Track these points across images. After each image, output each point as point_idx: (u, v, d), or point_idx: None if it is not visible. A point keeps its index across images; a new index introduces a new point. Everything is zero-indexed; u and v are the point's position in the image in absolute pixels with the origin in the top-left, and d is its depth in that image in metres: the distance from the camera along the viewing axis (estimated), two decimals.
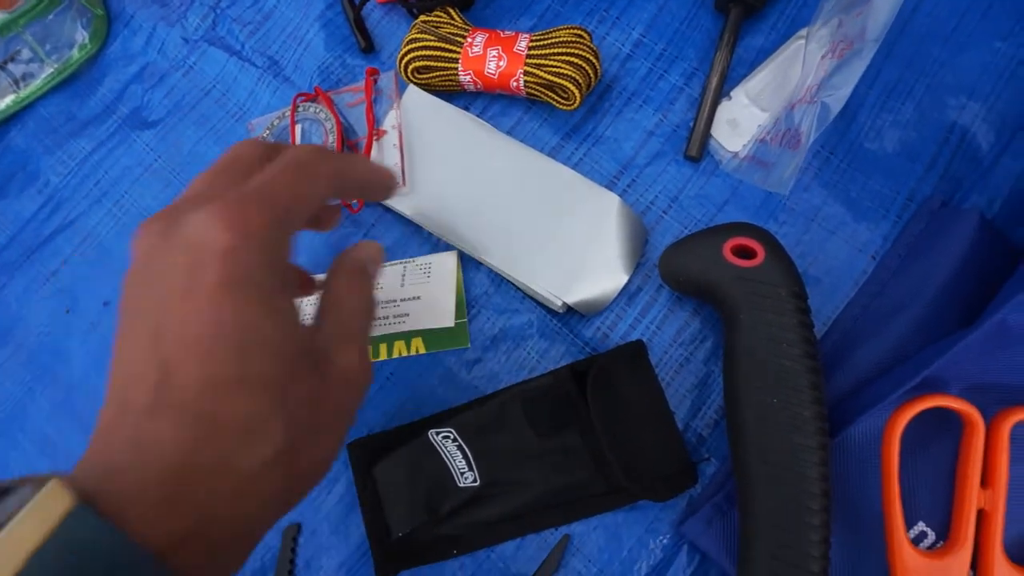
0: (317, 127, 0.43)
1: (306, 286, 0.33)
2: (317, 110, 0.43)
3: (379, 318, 0.39)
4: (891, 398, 0.32)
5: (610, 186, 0.41)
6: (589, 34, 0.40)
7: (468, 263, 0.41)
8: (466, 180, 0.40)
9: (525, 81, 0.40)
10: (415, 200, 0.40)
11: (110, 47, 0.50)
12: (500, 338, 0.39)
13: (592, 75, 0.40)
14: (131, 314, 0.23)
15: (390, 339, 0.39)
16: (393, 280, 0.40)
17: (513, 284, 0.40)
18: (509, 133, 0.43)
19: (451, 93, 0.44)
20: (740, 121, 0.40)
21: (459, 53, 0.41)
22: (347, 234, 0.43)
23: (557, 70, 0.39)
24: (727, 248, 0.35)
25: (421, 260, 0.41)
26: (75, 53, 0.49)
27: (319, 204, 0.26)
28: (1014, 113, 0.38)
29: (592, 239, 0.38)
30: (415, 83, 0.42)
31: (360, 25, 0.46)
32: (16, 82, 0.49)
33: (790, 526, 0.31)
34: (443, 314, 0.38)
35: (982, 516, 0.31)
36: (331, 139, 0.42)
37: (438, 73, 0.42)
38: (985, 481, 0.31)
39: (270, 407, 0.22)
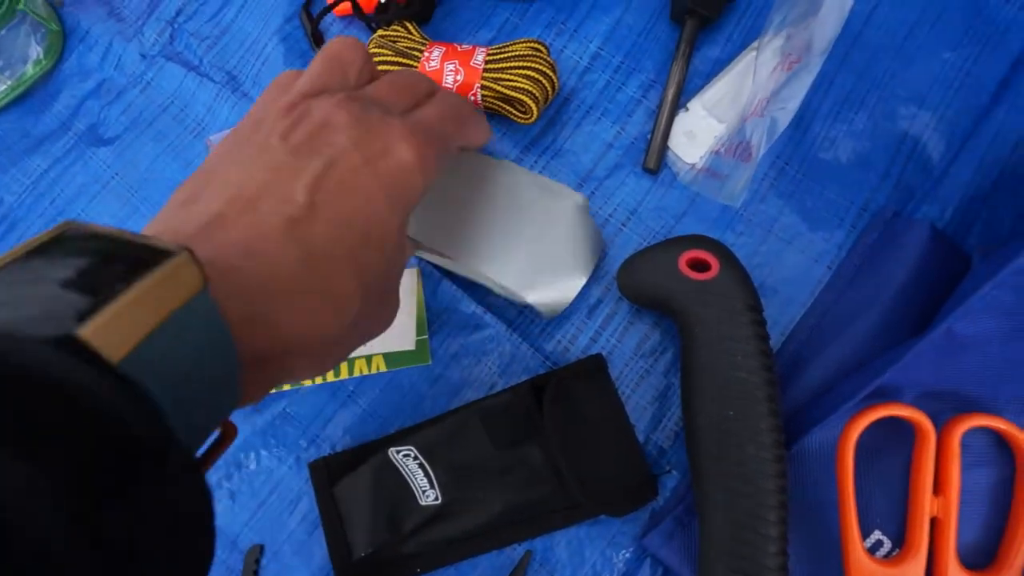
0: None
1: None
2: None
3: None
4: (845, 407, 0.32)
5: None
6: (546, 47, 0.40)
7: (428, 279, 0.40)
8: (436, 191, 0.39)
9: (483, 95, 0.40)
10: None
11: (65, 62, 0.49)
12: (461, 353, 0.39)
13: (549, 89, 0.40)
14: (289, 138, 0.24)
15: (350, 359, 0.39)
16: None
17: (479, 283, 0.39)
18: None
19: None
20: (697, 133, 0.40)
21: (416, 67, 0.41)
22: None
23: (514, 84, 0.39)
24: (682, 261, 0.35)
25: None
26: (29, 69, 0.49)
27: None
28: (963, 123, 0.38)
29: (550, 237, 0.38)
30: None
31: (319, 39, 0.45)
32: None
33: (748, 538, 0.31)
34: (404, 335, 0.38)
35: (935, 523, 0.31)
36: None
37: None
38: (937, 489, 0.31)
39: (356, 292, 0.24)
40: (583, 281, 0.38)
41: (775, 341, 0.37)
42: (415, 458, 0.36)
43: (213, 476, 0.39)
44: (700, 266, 0.34)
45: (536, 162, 0.42)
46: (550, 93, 0.40)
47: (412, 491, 0.36)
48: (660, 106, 0.40)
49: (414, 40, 0.42)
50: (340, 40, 0.29)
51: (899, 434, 0.33)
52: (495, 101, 0.40)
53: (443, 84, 0.40)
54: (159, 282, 0.16)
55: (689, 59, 0.40)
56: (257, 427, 0.40)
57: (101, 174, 0.46)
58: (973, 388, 0.32)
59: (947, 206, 0.37)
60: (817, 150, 0.39)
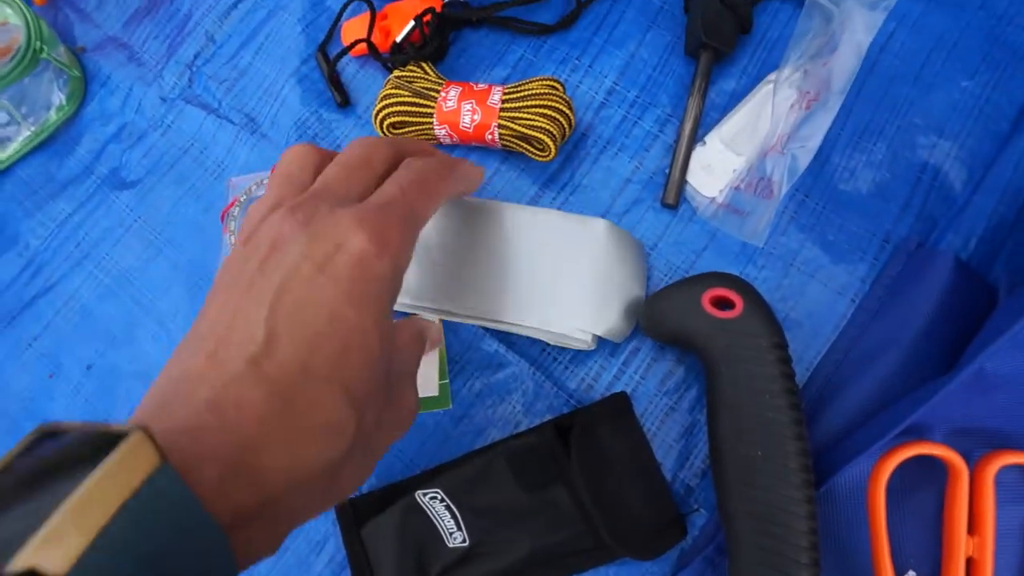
0: None
1: None
2: None
3: None
4: (875, 446, 0.32)
5: None
6: (562, 84, 0.40)
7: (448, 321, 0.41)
8: (456, 255, 0.39)
9: (500, 134, 0.40)
10: (412, 290, 0.39)
11: (87, 108, 0.50)
12: (485, 393, 0.39)
13: (567, 126, 0.40)
14: (242, 278, 0.24)
15: None
16: None
17: (527, 336, 0.39)
18: (487, 184, 0.43)
19: None
20: (715, 166, 0.40)
21: (434, 107, 0.41)
22: None
23: (531, 122, 0.39)
24: (706, 299, 0.35)
25: None
26: (52, 115, 0.50)
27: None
28: (984, 151, 0.38)
29: (593, 266, 0.37)
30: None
31: (335, 80, 0.46)
32: None
33: None
34: (427, 382, 0.38)
35: (971, 564, 0.31)
36: None
37: (413, 128, 0.42)
38: (972, 528, 0.31)
39: (348, 413, 0.22)
40: (643, 293, 0.38)
41: (800, 376, 0.37)
42: (442, 500, 0.36)
43: None
44: (724, 304, 0.34)
45: (555, 199, 0.42)
46: (567, 130, 0.40)
47: (439, 533, 0.36)
48: (677, 140, 0.40)
49: (430, 80, 0.42)
50: (286, 151, 0.28)
51: (930, 472, 0.32)
52: (513, 139, 0.40)
53: (460, 124, 0.40)
54: (108, 474, 0.16)
55: (705, 93, 0.40)
56: None
57: (124, 217, 0.47)
58: (1005, 424, 0.32)
59: (970, 236, 0.37)
60: (837, 181, 0.39)
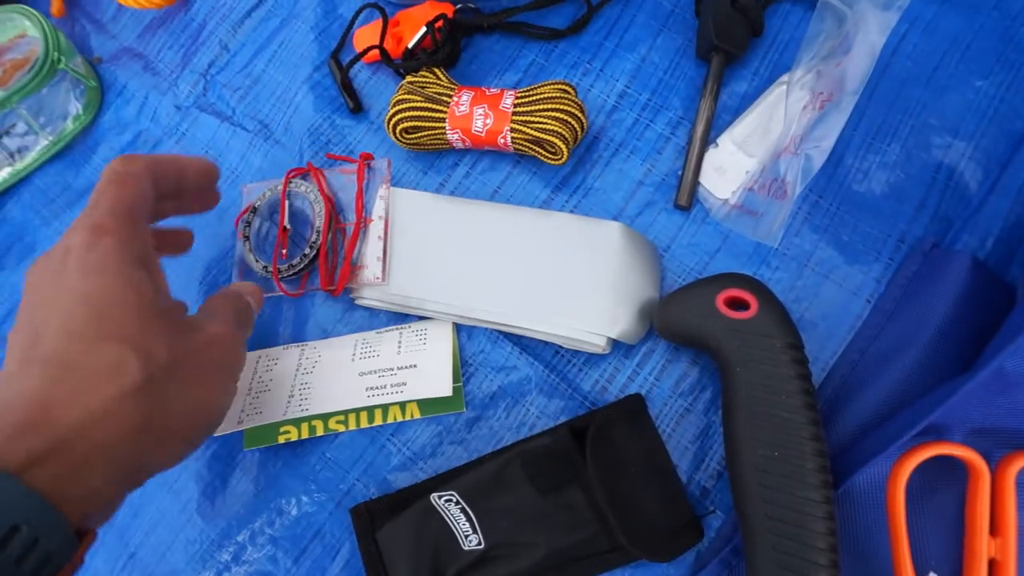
0: (308, 204, 0.43)
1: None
2: (308, 189, 0.43)
3: (378, 387, 0.39)
4: (894, 446, 0.32)
5: None
6: (574, 88, 0.41)
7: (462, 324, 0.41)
8: (470, 260, 0.40)
9: (512, 138, 0.40)
10: (428, 295, 0.40)
11: (103, 117, 0.51)
12: (499, 396, 0.39)
13: (579, 129, 0.40)
14: (18, 323, 0.29)
15: (384, 405, 0.39)
16: (390, 347, 0.40)
17: (539, 340, 0.40)
18: (499, 188, 0.43)
19: (440, 151, 0.44)
20: (727, 168, 0.40)
21: (446, 112, 0.41)
22: (356, 323, 0.43)
23: (543, 126, 0.40)
24: (720, 300, 0.35)
25: (417, 326, 0.41)
26: (69, 124, 0.50)
27: (151, 197, 0.32)
28: (999, 151, 0.38)
29: (607, 268, 0.38)
30: (404, 143, 0.43)
31: (348, 86, 0.46)
32: (12, 155, 0.50)
33: None
34: (440, 382, 0.38)
35: (994, 565, 0.30)
36: (319, 222, 0.42)
37: (426, 132, 0.42)
38: (994, 529, 0.31)
39: (127, 350, 0.27)
40: (657, 295, 0.38)
41: (816, 377, 0.37)
42: (457, 503, 0.36)
43: (256, 521, 0.40)
44: (739, 305, 0.34)
45: (567, 202, 0.42)
46: (579, 133, 0.40)
47: (455, 536, 0.36)
48: (690, 143, 0.41)
49: (443, 85, 0.43)
50: None
51: (950, 473, 0.32)
52: (525, 143, 0.41)
53: (473, 128, 0.41)
54: None
55: (717, 95, 0.41)
56: (298, 473, 0.40)
57: None
58: None
59: (987, 236, 0.36)
60: (851, 182, 0.39)
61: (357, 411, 0.39)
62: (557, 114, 0.40)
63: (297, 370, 0.40)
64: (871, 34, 0.32)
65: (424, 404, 0.39)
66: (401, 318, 0.42)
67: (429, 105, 0.42)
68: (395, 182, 0.44)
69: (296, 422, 0.39)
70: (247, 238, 0.43)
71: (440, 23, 0.44)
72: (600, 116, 0.43)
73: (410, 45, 0.44)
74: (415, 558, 0.36)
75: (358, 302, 0.42)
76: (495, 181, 0.43)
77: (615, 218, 0.41)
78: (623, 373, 0.39)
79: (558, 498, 0.36)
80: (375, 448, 0.40)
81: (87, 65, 0.51)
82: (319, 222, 0.42)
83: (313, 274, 0.42)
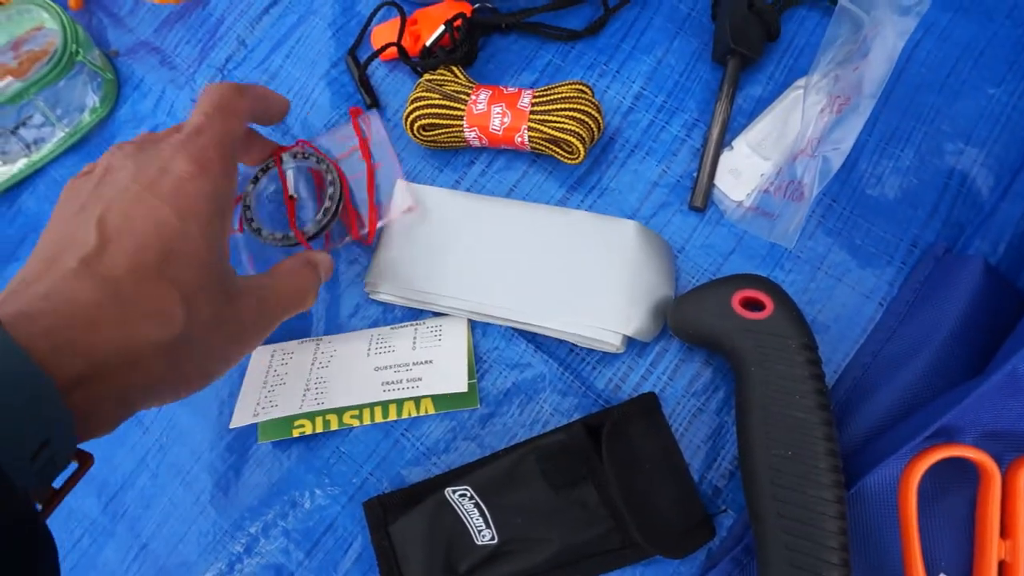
0: (305, 174, 0.42)
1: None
2: (301, 157, 0.42)
3: (393, 382, 0.39)
4: (905, 448, 0.32)
5: None
6: (591, 88, 0.41)
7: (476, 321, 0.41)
8: (486, 256, 0.40)
9: (530, 136, 0.41)
10: (443, 290, 0.40)
11: (120, 110, 0.51)
12: (512, 392, 0.40)
13: (595, 129, 0.41)
14: (78, 203, 0.28)
15: (399, 400, 0.40)
16: (405, 343, 0.40)
17: (554, 337, 0.40)
18: (515, 186, 0.43)
19: (456, 149, 0.45)
20: (742, 171, 0.40)
21: (464, 110, 0.42)
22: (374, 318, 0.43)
23: (561, 125, 0.40)
24: (735, 300, 0.35)
25: (432, 322, 0.41)
26: (86, 116, 0.50)
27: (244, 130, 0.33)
28: (1012, 158, 0.38)
29: (623, 267, 0.38)
30: (421, 140, 0.43)
31: (365, 83, 0.47)
32: (28, 146, 0.50)
33: None
34: (456, 378, 0.38)
35: (1004, 567, 0.31)
36: (329, 177, 0.41)
37: (443, 130, 0.42)
38: (1005, 531, 0.31)
39: (178, 300, 0.27)
40: (672, 293, 0.39)
41: (828, 378, 0.37)
42: (471, 498, 0.37)
43: (269, 513, 0.40)
44: (754, 305, 0.35)
45: (582, 201, 0.42)
46: (596, 133, 0.41)
47: (468, 531, 0.36)
48: (705, 145, 0.41)
49: (460, 83, 0.43)
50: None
51: (961, 475, 0.32)
52: (542, 142, 0.41)
53: (490, 127, 0.41)
54: None
55: (733, 98, 0.41)
56: (312, 466, 0.40)
57: None
58: None
59: (999, 242, 0.37)
60: (864, 186, 0.39)
61: (372, 406, 0.40)
62: (575, 114, 0.40)
63: (312, 364, 0.41)
64: (889, 39, 0.33)
65: (438, 400, 0.39)
66: (415, 314, 0.42)
67: (447, 103, 0.42)
68: (411, 179, 0.45)
69: (311, 416, 0.40)
70: (250, 220, 0.41)
71: (459, 22, 0.44)
72: (616, 117, 0.43)
73: (428, 43, 0.45)
74: (428, 552, 0.37)
75: (372, 296, 0.42)
76: (511, 180, 0.44)
77: (630, 218, 0.41)
78: (636, 372, 0.39)
79: (571, 494, 0.36)
80: (389, 442, 0.40)
81: (104, 58, 0.51)
82: (330, 176, 0.41)
83: (335, 232, 0.42)
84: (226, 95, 0.32)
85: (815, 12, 0.43)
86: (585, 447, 0.36)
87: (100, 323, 0.25)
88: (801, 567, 0.31)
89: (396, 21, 0.46)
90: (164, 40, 0.52)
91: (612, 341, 0.38)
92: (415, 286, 0.40)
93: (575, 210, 0.41)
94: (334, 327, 0.43)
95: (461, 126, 0.42)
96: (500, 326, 0.41)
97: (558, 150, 0.41)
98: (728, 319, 0.35)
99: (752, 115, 0.42)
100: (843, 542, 0.31)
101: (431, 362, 0.39)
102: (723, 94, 0.41)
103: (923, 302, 0.36)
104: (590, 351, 0.40)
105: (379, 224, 0.42)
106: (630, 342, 0.39)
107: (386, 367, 0.40)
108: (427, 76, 0.44)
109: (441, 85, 0.43)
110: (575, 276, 0.39)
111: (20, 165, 0.50)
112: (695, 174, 0.41)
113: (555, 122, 0.40)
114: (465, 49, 0.44)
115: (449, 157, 0.45)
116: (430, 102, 0.42)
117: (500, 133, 0.41)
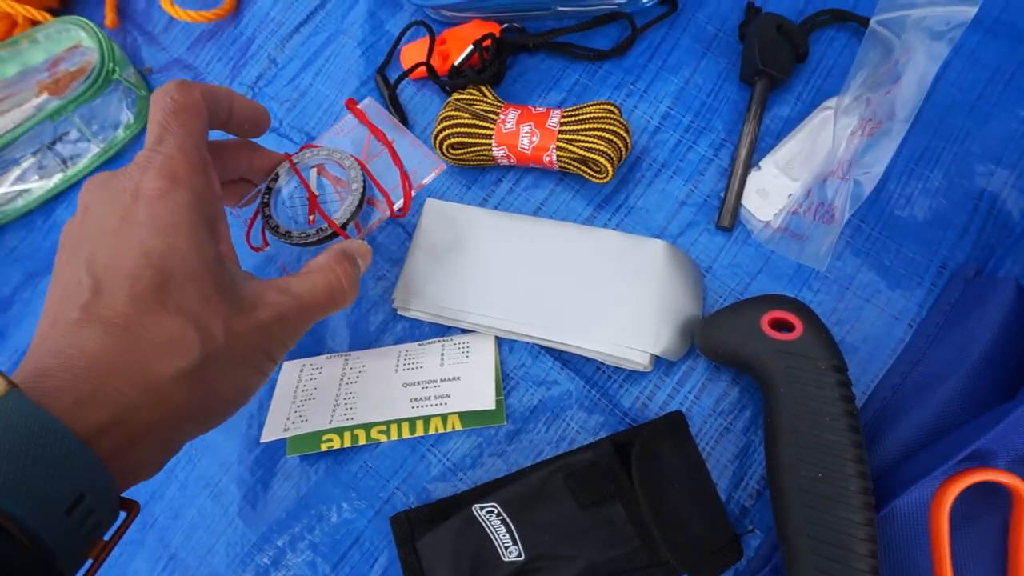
0: (314, 172, 0.41)
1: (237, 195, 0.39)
2: (311, 156, 0.40)
3: (421, 398, 0.39)
4: (937, 471, 0.32)
5: None
6: (619, 108, 0.41)
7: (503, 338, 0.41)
8: (514, 273, 0.41)
9: (558, 156, 0.41)
10: (470, 307, 0.41)
11: None
12: (539, 410, 0.40)
13: (623, 148, 0.41)
14: (70, 249, 0.28)
15: (426, 417, 0.40)
16: (433, 359, 0.41)
17: (581, 355, 0.40)
18: (542, 205, 0.44)
19: (484, 167, 0.45)
20: (770, 191, 0.40)
21: (492, 129, 0.42)
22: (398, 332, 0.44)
23: (589, 145, 0.40)
24: (765, 321, 0.35)
25: (459, 339, 0.41)
26: (120, 133, 0.52)
27: (207, 128, 0.31)
28: None
29: (651, 286, 0.38)
30: (450, 159, 0.44)
31: (395, 101, 0.47)
32: (64, 162, 0.51)
33: None
34: (483, 395, 0.39)
35: None
36: (347, 162, 0.39)
37: (472, 149, 0.43)
38: None
39: (189, 326, 0.26)
40: (699, 312, 0.39)
41: (857, 400, 0.37)
42: (498, 514, 0.37)
43: (296, 527, 0.40)
44: (784, 327, 0.35)
45: (609, 220, 0.43)
46: (624, 153, 0.41)
47: (495, 547, 0.37)
48: (733, 164, 0.41)
49: (489, 103, 0.43)
50: None
51: (994, 499, 0.32)
52: (570, 161, 0.41)
53: (519, 146, 0.41)
54: None
55: (761, 119, 0.41)
56: (340, 480, 0.41)
57: None
58: None
59: None
60: (893, 207, 0.39)
61: (399, 422, 0.40)
62: (603, 133, 0.40)
63: (342, 380, 0.41)
64: (921, 63, 0.33)
65: (465, 416, 0.40)
66: (442, 330, 0.43)
67: (476, 122, 0.43)
68: (439, 196, 0.45)
69: (339, 431, 0.40)
70: (275, 228, 0.39)
71: (488, 42, 0.45)
72: (643, 136, 0.44)
73: (457, 63, 0.45)
74: (455, 568, 0.37)
75: (401, 312, 0.42)
76: (538, 198, 0.44)
77: (658, 237, 0.42)
78: (663, 391, 0.39)
79: (599, 512, 0.36)
80: (415, 458, 0.40)
81: (139, 75, 0.53)
82: (347, 162, 0.39)
83: (364, 217, 0.40)
84: (175, 97, 0.30)
85: (843, 33, 0.43)
86: (613, 465, 0.36)
87: (114, 367, 0.24)
88: None
89: (425, 41, 0.47)
90: (196, 58, 0.53)
91: (639, 360, 0.38)
92: (443, 303, 0.41)
93: (603, 229, 0.41)
94: (362, 343, 0.43)
95: (490, 145, 0.42)
96: (527, 343, 0.41)
97: (586, 169, 0.42)
98: (757, 340, 0.35)
99: (780, 135, 0.42)
100: (873, 565, 0.31)
101: (459, 379, 0.39)
102: (751, 114, 0.41)
103: (953, 324, 0.36)
104: (616, 369, 0.40)
105: (412, 193, 0.40)
106: (657, 361, 0.39)
107: (414, 383, 0.40)
108: (456, 95, 0.44)
109: (470, 104, 0.43)
110: (602, 294, 0.39)
111: (56, 180, 0.51)
112: (722, 194, 0.41)
113: (583, 142, 0.40)
114: (494, 69, 0.45)
115: (476, 175, 0.45)
116: (459, 121, 0.43)
117: (529, 152, 0.42)
